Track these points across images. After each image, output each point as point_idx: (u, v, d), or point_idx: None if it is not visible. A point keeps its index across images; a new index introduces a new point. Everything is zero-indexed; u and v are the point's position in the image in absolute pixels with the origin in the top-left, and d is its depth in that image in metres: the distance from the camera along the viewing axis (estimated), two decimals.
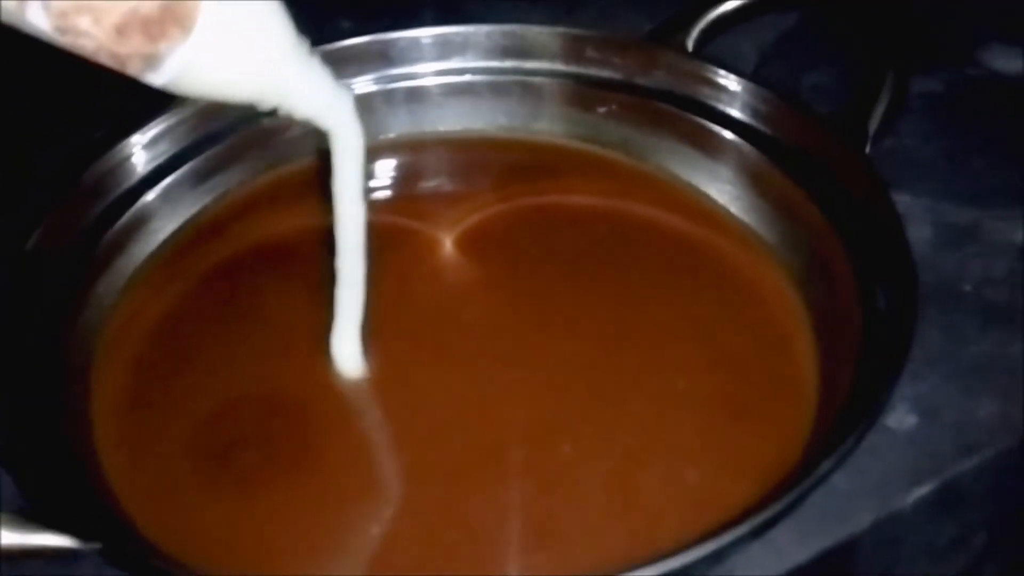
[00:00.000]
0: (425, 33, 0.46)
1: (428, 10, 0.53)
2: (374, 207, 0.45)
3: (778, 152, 0.43)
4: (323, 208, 0.43)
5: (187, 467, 0.36)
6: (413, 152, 0.47)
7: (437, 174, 0.48)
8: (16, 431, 0.34)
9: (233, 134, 0.45)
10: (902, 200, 0.45)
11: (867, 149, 0.40)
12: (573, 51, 0.46)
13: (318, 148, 0.44)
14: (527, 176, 0.46)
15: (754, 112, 0.44)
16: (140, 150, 0.43)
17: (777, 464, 0.34)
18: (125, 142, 0.43)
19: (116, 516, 0.34)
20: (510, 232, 0.44)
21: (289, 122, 0.43)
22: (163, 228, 0.44)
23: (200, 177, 0.45)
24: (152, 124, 0.43)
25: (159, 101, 0.43)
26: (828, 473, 0.31)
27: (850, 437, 0.31)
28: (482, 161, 0.47)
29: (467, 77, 0.47)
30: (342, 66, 0.44)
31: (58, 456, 0.35)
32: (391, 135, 0.47)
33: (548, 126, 0.47)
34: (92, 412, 0.38)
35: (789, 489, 0.30)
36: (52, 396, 0.37)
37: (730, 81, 0.44)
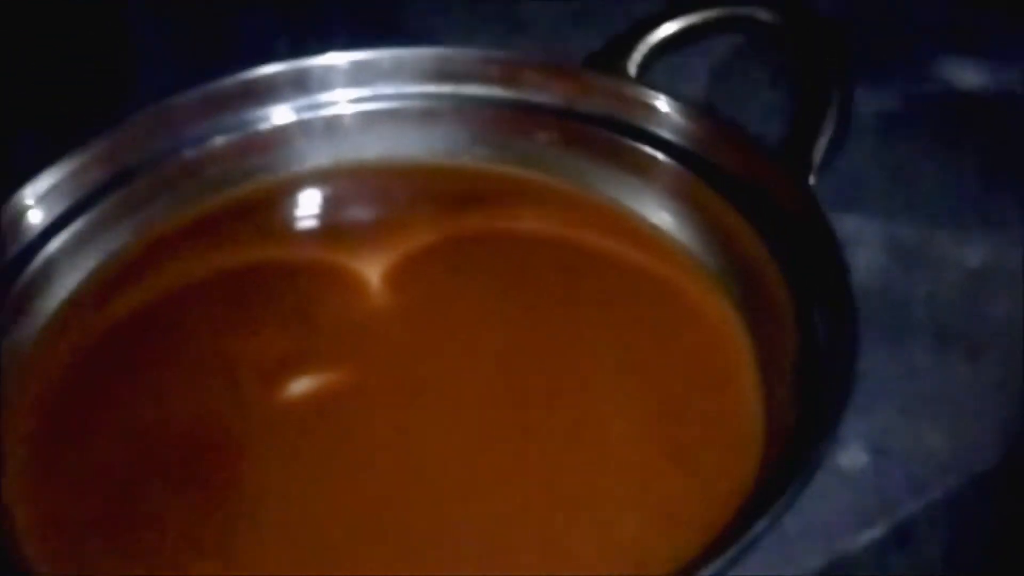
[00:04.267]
0: (354, 57, 0.45)
1: (367, 29, 0.52)
2: (298, 241, 0.44)
3: (720, 180, 0.41)
4: (232, 245, 0.43)
5: (99, 526, 0.34)
6: (341, 182, 0.46)
7: (367, 204, 0.46)
8: None
9: (134, 179, 0.43)
10: (851, 221, 0.44)
11: (811, 179, 0.39)
12: (510, 76, 0.44)
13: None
14: (462, 205, 0.45)
15: (695, 140, 0.42)
16: (34, 204, 0.41)
17: (721, 513, 0.33)
18: (17, 196, 0.40)
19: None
20: (442, 265, 0.42)
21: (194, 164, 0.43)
22: (69, 280, 0.41)
23: (104, 224, 0.42)
24: (42, 176, 0.41)
25: (46, 153, 0.42)
26: (769, 526, 0.29)
27: (790, 489, 0.30)
28: (416, 190, 0.46)
29: (398, 103, 0.45)
30: (263, 95, 0.44)
31: None
32: (316, 164, 0.45)
33: (486, 153, 0.45)
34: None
35: (724, 548, 0.29)
36: None
37: (670, 107, 0.43)
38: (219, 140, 0.44)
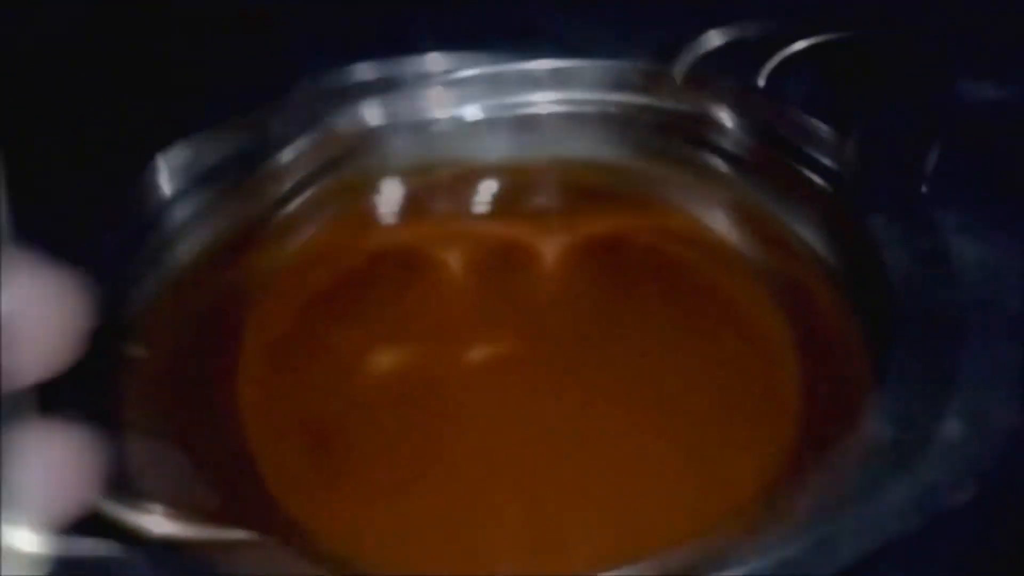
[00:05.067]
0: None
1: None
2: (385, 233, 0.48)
3: (767, 182, 0.45)
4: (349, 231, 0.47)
5: None
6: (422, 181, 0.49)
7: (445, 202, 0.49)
8: None
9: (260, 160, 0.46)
10: (879, 223, 0.47)
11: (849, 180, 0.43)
12: (567, 81, 0.48)
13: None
14: (535, 208, 0.49)
15: (741, 144, 0.46)
16: (166, 171, 0.44)
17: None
18: (151, 165, 0.43)
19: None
20: (517, 261, 0.46)
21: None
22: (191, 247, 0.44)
23: (220, 201, 0.45)
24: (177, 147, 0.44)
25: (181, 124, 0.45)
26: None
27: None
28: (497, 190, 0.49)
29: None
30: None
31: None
32: (399, 163, 0.49)
33: (558, 158, 0.49)
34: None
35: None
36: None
37: (718, 111, 0.46)
38: (310, 138, 0.47)
